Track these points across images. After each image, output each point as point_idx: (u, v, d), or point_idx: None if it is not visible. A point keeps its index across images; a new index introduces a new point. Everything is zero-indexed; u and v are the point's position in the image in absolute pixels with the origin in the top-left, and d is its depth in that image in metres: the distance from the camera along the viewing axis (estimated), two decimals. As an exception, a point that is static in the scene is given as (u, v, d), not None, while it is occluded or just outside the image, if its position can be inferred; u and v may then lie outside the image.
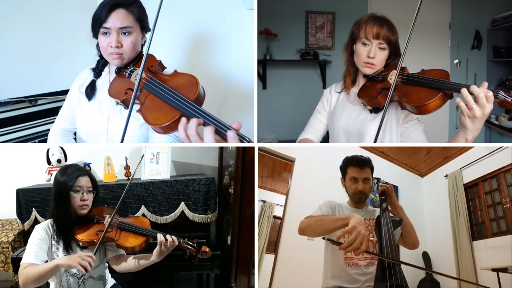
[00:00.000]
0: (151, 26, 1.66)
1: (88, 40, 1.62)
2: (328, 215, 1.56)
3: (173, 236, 1.53)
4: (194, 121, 1.19)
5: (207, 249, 1.58)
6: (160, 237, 1.52)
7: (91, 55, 1.75)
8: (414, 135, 1.55)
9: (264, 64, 3.89)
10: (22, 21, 2.20)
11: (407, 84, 1.45)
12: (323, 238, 1.26)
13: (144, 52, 1.42)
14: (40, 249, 1.50)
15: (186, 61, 2.38)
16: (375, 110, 1.59)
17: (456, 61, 3.99)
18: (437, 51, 3.96)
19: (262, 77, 3.94)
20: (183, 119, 1.22)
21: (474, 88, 1.26)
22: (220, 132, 1.18)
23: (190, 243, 1.57)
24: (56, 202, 1.56)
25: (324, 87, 3.86)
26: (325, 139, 1.89)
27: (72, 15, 2.38)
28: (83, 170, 1.63)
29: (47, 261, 1.50)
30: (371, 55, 1.55)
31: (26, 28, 2.22)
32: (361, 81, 1.68)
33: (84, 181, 1.58)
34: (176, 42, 2.39)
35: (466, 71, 3.99)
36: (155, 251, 1.52)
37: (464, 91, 1.27)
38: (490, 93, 1.25)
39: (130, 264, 1.59)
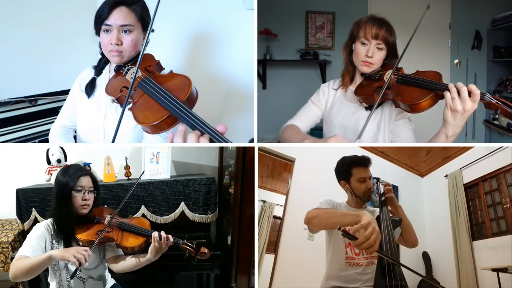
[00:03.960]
0: (153, 27, 1.68)
1: (90, 37, 1.63)
2: (337, 209, 1.57)
3: (169, 235, 1.52)
4: (193, 137, 1.15)
5: (206, 250, 1.57)
6: (154, 233, 1.51)
7: (91, 56, 1.75)
8: (402, 133, 1.60)
9: (264, 64, 3.89)
10: (23, 22, 2.20)
11: (402, 83, 1.51)
12: (339, 229, 1.17)
13: (141, 51, 1.44)
14: (38, 245, 1.50)
15: (186, 61, 2.38)
16: (370, 107, 1.63)
17: (456, 61, 3.99)
18: (437, 51, 3.96)
19: (262, 77, 3.94)
20: (181, 128, 1.20)
21: (459, 83, 1.33)
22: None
23: (189, 244, 1.57)
24: (58, 202, 1.57)
25: (324, 87, 3.85)
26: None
27: (72, 16, 2.38)
28: (85, 170, 1.64)
29: None
30: (370, 54, 1.60)
31: (26, 29, 2.22)
32: (358, 80, 1.72)
33: (85, 181, 1.59)
34: (176, 42, 2.39)
35: (466, 71, 4.00)
36: (150, 248, 1.52)
37: (450, 84, 1.35)
38: (477, 91, 1.30)
39: (128, 263, 1.58)
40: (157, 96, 1.31)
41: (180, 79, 1.39)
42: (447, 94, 1.34)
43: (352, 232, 1.19)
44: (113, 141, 1.37)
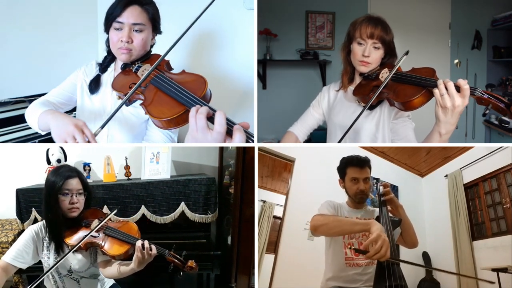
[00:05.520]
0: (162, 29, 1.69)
1: (89, 40, 1.63)
2: (345, 217, 1.57)
3: (153, 245, 1.46)
4: (204, 110, 1.18)
5: (194, 264, 1.50)
6: (137, 243, 1.45)
7: (91, 56, 1.75)
8: (402, 131, 1.60)
9: (264, 64, 3.89)
10: (23, 22, 2.20)
11: (397, 82, 1.51)
12: (350, 248, 1.28)
13: (148, 50, 1.46)
14: (23, 251, 1.50)
15: (185, 61, 2.38)
16: (369, 107, 1.63)
17: (456, 61, 3.99)
18: (437, 51, 3.95)
19: (262, 77, 3.94)
20: (193, 110, 1.21)
21: (447, 80, 1.32)
22: (228, 125, 1.18)
23: (176, 256, 1.50)
24: (46, 204, 1.54)
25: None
26: (323, 138, 1.90)
27: (72, 16, 2.38)
28: (74, 171, 1.58)
29: (39, 262, 1.52)
30: (366, 53, 1.60)
31: (27, 29, 2.22)
32: (357, 80, 1.73)
33: (74, 183, 1.54)
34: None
35: (466, 71, 3.99)
36: (134, 257, 1.46)
37: (439, 81, 1.34)
38: (465, 86, 1.29)
39: (113, 270, 1.53)
40: (173, 91, 1.33)
41: (195, 77, 1.43)
42: (435, 91, 1.33)
43: (363, 248, 1.22)
44: (102, 127, 1.38)
